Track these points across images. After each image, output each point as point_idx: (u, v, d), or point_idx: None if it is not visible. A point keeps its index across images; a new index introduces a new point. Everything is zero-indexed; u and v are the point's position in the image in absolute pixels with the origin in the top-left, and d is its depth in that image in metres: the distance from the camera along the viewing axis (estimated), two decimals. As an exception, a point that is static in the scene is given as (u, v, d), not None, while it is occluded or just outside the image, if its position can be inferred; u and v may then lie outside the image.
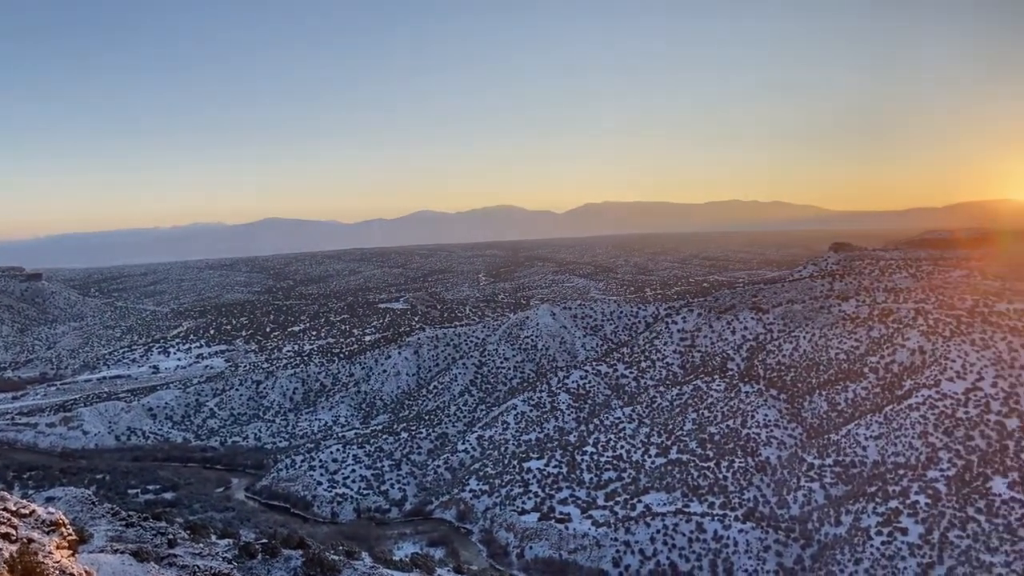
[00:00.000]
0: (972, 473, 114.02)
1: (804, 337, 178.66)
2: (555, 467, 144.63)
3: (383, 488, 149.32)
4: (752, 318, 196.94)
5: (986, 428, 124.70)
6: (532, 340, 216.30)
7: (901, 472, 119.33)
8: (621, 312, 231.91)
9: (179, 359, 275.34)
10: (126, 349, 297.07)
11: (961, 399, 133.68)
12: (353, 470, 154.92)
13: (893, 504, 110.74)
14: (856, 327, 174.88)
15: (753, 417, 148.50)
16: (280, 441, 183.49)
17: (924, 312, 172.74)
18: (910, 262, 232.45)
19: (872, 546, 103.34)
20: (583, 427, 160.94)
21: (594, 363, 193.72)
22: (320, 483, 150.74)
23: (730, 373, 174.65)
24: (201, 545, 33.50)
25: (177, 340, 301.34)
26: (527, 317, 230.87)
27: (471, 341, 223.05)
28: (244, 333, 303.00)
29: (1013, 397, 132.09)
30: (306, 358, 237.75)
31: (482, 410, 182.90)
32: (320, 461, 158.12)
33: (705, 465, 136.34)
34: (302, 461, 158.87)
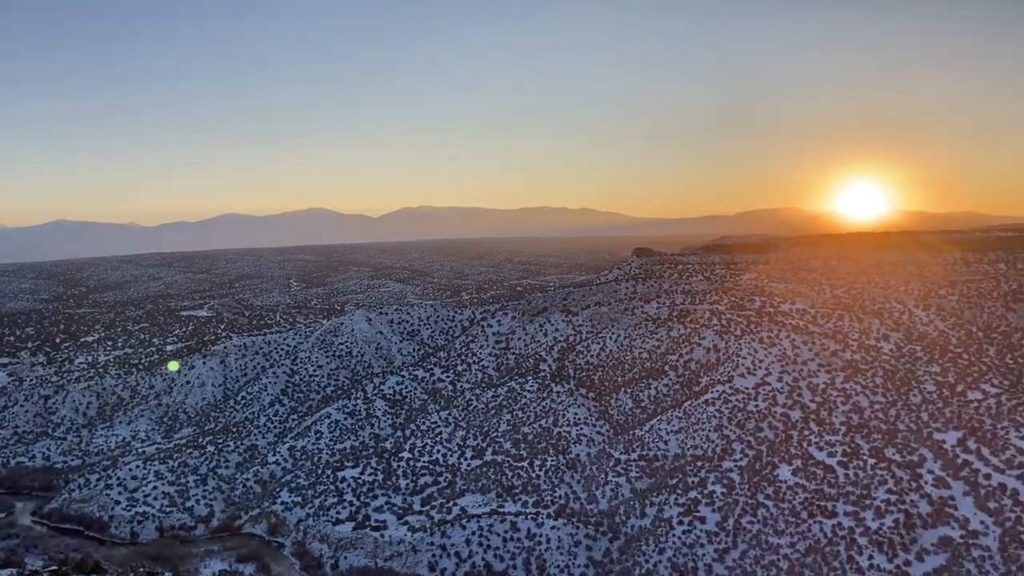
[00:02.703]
0: (762, 462, 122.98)
1: (611, 338, 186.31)
2: (371, 475, 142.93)
3: (188, 504, 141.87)
4: (563, 320, 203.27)
5: (773, 420, 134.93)
6: (347, 347, 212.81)
7: (699, 464, 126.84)
8: (438, 316, 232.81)
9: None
10: None
11: (752, 393, 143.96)
12: (155, 487, 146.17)
13: (692, 495, 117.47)
14: (657, 327, 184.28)
15: (564, 416, 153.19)
16: (72, 460, 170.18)
17: (718, 313, 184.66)
18: (705, 266, 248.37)
19: (674, 535, 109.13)
20: (399, 433, 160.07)
21: (411, 368, 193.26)
22: (118, 502, 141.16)
23: (543, 374, 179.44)
24: (-23, 577, 30.58)
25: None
26: (342, 323, 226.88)
27: (282, 349, 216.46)
28: (30, 345, 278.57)
29: (796, 391, 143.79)
30: (101, 370, 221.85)
31: (294, 420, 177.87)
32: (118, 479, 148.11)
33: (519, 465, 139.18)
34: (97, 480, 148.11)
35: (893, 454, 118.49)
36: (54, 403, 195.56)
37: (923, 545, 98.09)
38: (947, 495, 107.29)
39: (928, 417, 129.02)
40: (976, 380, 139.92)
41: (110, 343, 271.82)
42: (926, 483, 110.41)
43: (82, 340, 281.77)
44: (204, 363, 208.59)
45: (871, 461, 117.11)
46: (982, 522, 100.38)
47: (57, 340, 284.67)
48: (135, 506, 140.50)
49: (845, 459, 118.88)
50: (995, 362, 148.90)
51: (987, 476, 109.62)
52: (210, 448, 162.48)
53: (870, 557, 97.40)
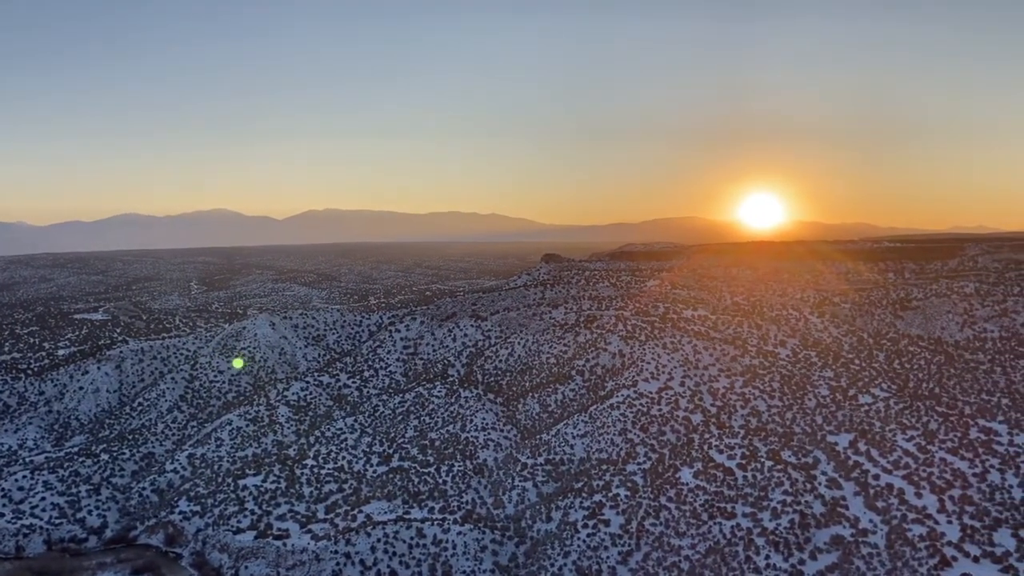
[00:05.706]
0: (664, 465, 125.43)
1: (519, 343, 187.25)
2: (273, 482, 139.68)
3: (79, 515, 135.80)
4: (472, 325, 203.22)
5: (675, 423, 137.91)
6: (249, 352, 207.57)
7: (604, 467, 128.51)
8: (344, 321, 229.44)
9: None
10: None
11: (655, 398, 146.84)
12: (43, 498, 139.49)
13: (597, 498, 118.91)
14: (565, 333, 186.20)
15: (472, 421, 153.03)
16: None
17: (623, 319, 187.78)
18: (612, 273, 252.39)
19: (579, 539, 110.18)
20: (303, 440, 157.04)
21: (316, 374, 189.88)
22: (2, 515, 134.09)
23: (451, 379, 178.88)
24: None
25: None
26: (244, 327, 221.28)
27: (181, 354, 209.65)
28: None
29: (698, 395, 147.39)
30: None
31: (193, 427, 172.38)
32: (2, 490, 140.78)
33: (426, 471, 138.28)
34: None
35: (789, 456, 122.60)
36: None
37: (816, 544, 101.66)
38: (839, 495, 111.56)
39: (822, 420, 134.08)
40: (867, 385, 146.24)
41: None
42: (820, 484, 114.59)
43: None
44: (99, 368, 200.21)
45: (768, 463, 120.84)
46: (871, 521, 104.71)
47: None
48: (21, 518, 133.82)
49: (744, 461, 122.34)
50: (884, 367, 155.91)
51: (876, 476, 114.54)
52: (104, 456, 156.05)
53: (767, 557, 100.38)
